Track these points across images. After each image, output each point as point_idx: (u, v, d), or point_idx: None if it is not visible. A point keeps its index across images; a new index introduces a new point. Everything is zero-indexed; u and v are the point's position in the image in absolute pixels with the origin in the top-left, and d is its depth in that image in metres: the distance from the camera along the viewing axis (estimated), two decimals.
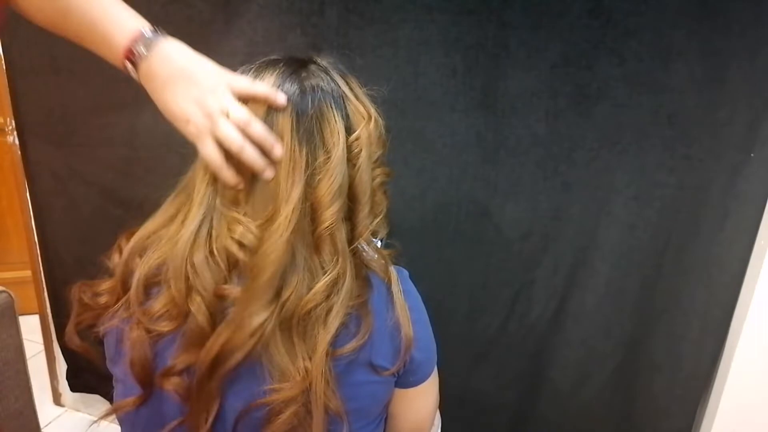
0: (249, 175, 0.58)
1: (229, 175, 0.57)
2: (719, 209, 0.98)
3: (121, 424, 0.67)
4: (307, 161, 0.57)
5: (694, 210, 0.99)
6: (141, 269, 0.59)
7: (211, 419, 0.58)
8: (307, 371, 0.56)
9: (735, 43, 0.89)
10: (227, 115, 0.55)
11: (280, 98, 0.57)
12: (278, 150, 0.57)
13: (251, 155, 0.56)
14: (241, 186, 0.58)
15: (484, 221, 1.11)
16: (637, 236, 1.03)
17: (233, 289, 0.57)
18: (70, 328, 0.64)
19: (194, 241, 0.58)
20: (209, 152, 0.56)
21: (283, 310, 0.56)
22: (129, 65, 0.58)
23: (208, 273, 0.57)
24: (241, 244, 0.57)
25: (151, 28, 0.59)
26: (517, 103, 1.02)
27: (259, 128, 0.56)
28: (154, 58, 0.57)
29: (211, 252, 0.58)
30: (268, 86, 0.58)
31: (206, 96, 0.56)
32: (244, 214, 0.58)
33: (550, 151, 1.03)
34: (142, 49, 0.57)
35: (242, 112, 0.56)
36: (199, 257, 0.57)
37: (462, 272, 1.15)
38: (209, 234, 0.58)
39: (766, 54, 0.88)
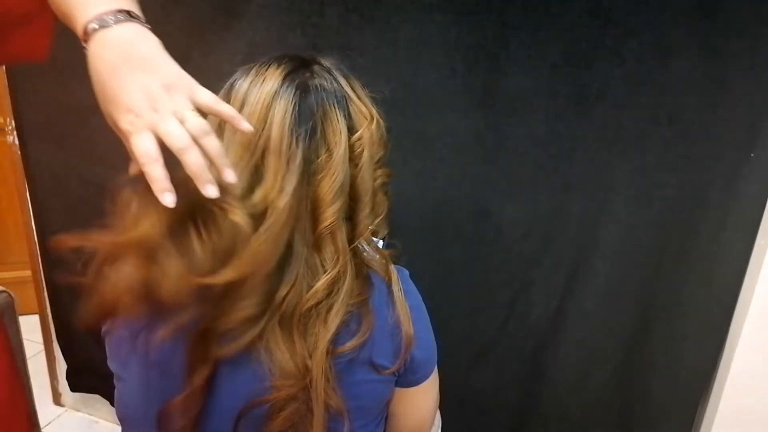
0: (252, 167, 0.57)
1: (159, 173, 0.48)
2: (719, 209, 0.98)
3: (121, 424, 0.68)
4: (304, 157, 0.57)
5: (694, 210, 0.99)
6: None
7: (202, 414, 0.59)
8: (307, 369, 0.56)
9: (735, 43, 0.89)
10: (182, 121, 0.49)
11: (245, 125, 0.52)
12: (230, 176, 0.51)
13: (196, 160, 0.48)
14: (170, 202, 0.49)
15: (484, 221, 1.11)
16: (637, 236, 1.03)
17: (216, 278, 0.54)
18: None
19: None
20: (144, 143, 0.47)
21: (282, 308, 0.56)
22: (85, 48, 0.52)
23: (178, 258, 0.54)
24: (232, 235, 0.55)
25: (120, 10, 0.51)
26: (517, 103, 1.02)
27: (215, 144, 0.50)
28: (109, 35, 0.50)
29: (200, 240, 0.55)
30: (232, 110, 0.53)
31: (161, 90, 0.49)
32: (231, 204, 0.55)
33: (550, 151, 1.03)
34: (94, 25, 0.50)
35: (201, 121, 0.50)
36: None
37: (462, 272, 1.15)
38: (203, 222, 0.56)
39: (766, 54, 0.88)
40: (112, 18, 0.50)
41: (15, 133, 1.41)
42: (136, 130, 0.48)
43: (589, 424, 1.18)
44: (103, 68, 0.50)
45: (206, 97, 0.52)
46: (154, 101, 0.49)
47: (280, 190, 0.56)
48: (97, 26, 0.50)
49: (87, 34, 0.51)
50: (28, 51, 0.64)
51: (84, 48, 0.51)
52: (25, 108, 1.38)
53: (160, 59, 0.51)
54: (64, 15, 0.55)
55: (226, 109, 0.52)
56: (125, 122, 0.49)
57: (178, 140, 0.48)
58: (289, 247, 0.58)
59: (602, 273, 1.08)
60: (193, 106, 0.50)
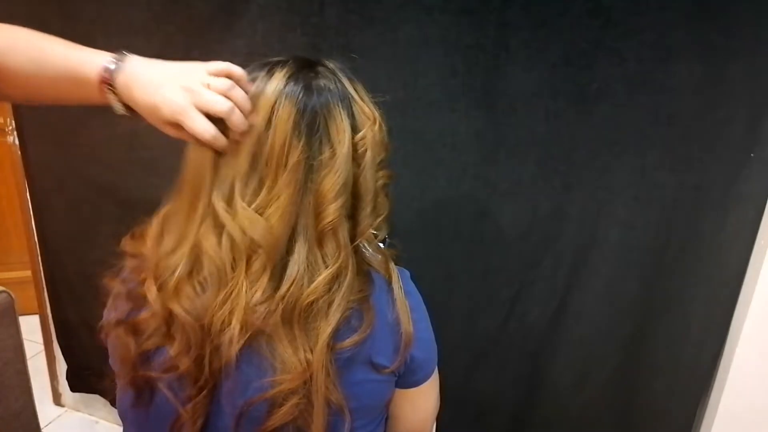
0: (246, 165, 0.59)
1: (221, 140, 0.58)
2: (719, 209, 0.98)
3: (123, 423, 0.68)
4: (307, 155, 0.58)
5: (694, 210, 0.99)
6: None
7: (208, 413, 0.59)
8: (308, 363, 0.57)
9: (735, 43, 0.89)
10: (208, 86, 0.58)
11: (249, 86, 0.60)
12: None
13: (238, 119, 0.57)
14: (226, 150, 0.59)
15: (484, 221, 1.11)
16: (637, 236, 1.03)
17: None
18: None
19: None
20: (200, 123, 0.57)
21: (284, 302, 0.57)
22: (106, 88, 0.60)
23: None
24: (239, 230, 0.58)
25: (115, 54, 0.61)
26: (517, 103, 1.02)
27: (240, 93, 0.58)
28: (128, 69, 0.60)
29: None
30: (240, 70, 0.60)
31: (184, 78, 0.59)
32: (242, 198, 0.59)
33: (550, 151, 1.03)
34: (113, 66, 0.60)
35: (223, 81, 0.58)
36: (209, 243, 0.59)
37: (462, 272, 1.15)
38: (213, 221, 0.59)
39: (766, 54, 0.88)
40: (115, 62, 0.60)
41: (15, 133, 1.41)
42: (185, 114, 0.57)
43: (589, 424, 1.18)
44: (140, 92, 0.59)
45: (218, 65, 0.60)
46: (186, 87, 0.58)
47: (281, 186, 0.57)
48: (113, 67, 0.60)
49: (109, 75, 0.60)
50: None
51: (107, 89, 0.61)
52: (25, 108, 1.38)
53: (168, 66, 0.61)
54: (60, 92, 0.63)
55: (236, 70, 0.60)
56: (173, 116, 0.58)
57: (220, 105, 0.57)
58: (291, 243, 0.59)
59: (602, 273, 1.08)
60: (209, 74, 0.59)
